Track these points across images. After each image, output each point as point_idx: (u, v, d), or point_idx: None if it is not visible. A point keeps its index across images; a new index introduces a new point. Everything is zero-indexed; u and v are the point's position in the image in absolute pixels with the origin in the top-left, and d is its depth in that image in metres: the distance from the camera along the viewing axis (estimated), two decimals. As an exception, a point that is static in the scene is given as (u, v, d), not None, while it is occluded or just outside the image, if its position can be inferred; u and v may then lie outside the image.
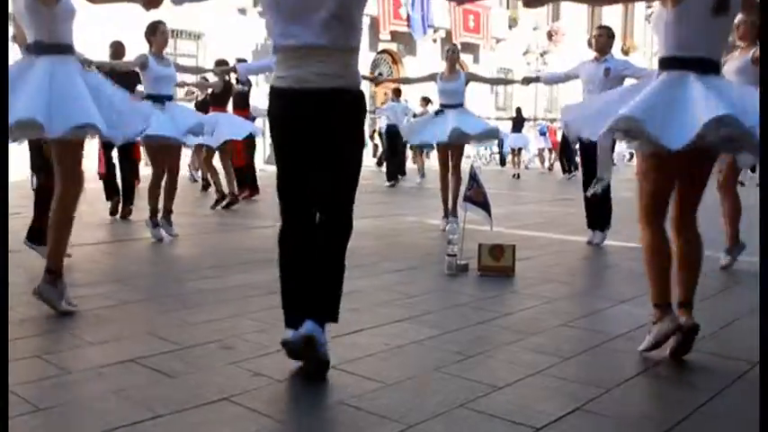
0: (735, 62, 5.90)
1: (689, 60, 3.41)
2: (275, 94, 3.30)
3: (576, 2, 4.15)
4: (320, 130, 3.23)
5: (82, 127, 3.95)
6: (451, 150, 8.35)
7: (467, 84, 8.47)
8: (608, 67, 7.24)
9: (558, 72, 8.84)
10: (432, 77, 8.56)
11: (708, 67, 3.43)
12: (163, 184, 7.30)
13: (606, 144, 6.89)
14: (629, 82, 8.32)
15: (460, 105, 8.39)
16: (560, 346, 3.79)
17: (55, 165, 4.29)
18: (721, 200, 6.12)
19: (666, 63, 3.49)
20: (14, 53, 4.33)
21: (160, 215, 7.22)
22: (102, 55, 8.57)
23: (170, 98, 7.34)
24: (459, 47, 10.36)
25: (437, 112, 8.51)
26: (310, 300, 3.27)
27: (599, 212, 7.44)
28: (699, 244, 3.70)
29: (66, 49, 4.16)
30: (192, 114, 7.73)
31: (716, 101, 3.19)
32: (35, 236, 5.56)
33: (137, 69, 7.34)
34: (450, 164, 8.38)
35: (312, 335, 3.15)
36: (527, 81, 8.78)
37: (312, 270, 3.29)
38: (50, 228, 4.30)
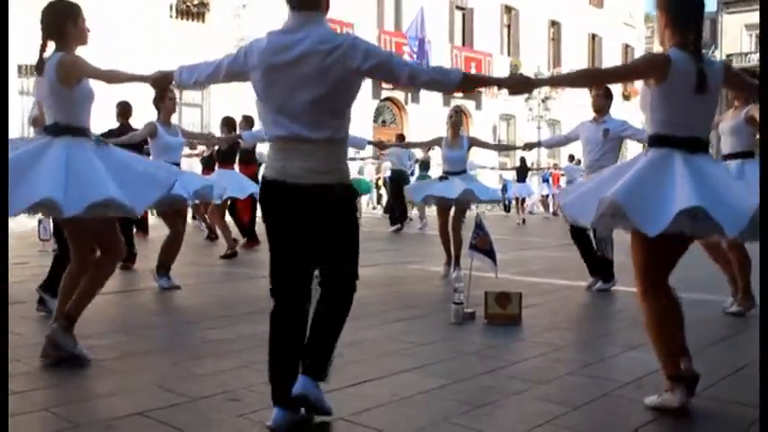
0: (729, 122, 5.91)
1: (676, 139, 3.45)
2: (265, 183, 3.31)
3: (560, 86, 4.21)
4: (307, 223, 3.24)
5: (99, 204, 3.99)
6: (454, 209, 8.43)
7: (469, 148, 8.56)
8: (607, 128, 7.29)
9: (559, 136, 8.92)
10: (437, 142, 8.65)
11: (695, 146, 3.47)
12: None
13: (604, 229, 6.84)
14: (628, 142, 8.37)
15: (463, 171, 8.52)
16: (569, 395, 3.78)
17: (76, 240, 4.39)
18: (716, 257, 6.13)
19: (654, 140, 3.53)
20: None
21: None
22: (109, 113, 8.67)
23: (177, 165, 7.40)
24: (462, 94, 10.49)
25: (441, 178, 8.56)
26: (303, 357, 3.26)
27: (597, 261, 7.45)
28: (677, 299, 3.64)
29: (82, 132, 4.32)
30: (199, 179, 7.80)
31: (692, 190, 3.22)
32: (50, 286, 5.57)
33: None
34: (449, 222, 8.46)
35: (304, 393, 3.17)
36: (529, 147, 8.81)
37: (311, 329, 3.28)
38: (91, 284, 4.38)
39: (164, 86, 3.94)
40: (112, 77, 4.30)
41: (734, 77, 3.77)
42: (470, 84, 3.58)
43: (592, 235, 7.42)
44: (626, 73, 3.89)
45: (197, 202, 10.58)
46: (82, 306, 4.38)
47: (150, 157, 7.53)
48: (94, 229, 4.30)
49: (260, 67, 3.20)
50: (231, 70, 3.37)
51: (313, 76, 3.12)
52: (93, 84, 4.35)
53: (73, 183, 3.99)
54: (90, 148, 4.28)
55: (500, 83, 3.54)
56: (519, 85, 3.48)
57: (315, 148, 3.18)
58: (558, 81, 4.27)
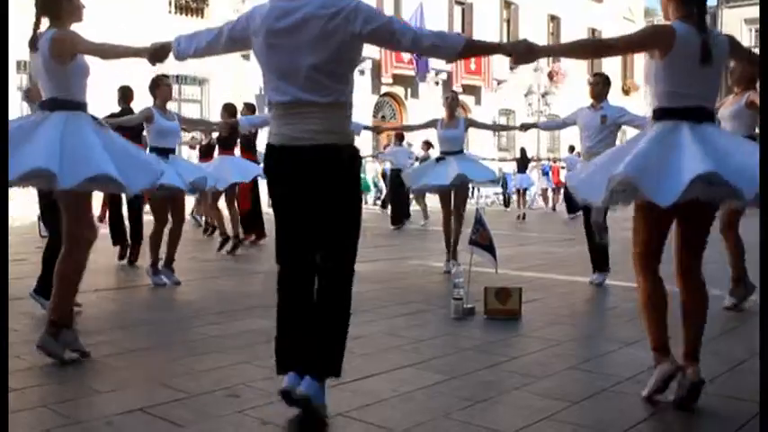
0: (729, 107, 5.91)
1: (682, 110, 3.45)
2: (269, 149, 3.34)
3: (564, 56, 4.17)
4: (313, 186, 3.26)
5: (94, 178, 3.97)
6: (454, 194, 8.37)
7: (466, 129, 8.54)
8: (604, 114, 7.27)
9: (556, 119, 8.91)
10: (432, 124, 8.60)
11: (701, 115, 3.46)
12: (167, 231, 7.34)
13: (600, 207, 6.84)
14: (626, 129, 8.35)
15: (461, 152, 8.48)
16: (568, 390, 3.78)
17: (64, 218, 4.29)
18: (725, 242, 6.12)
19: (659, 114, 3.52)
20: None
21: (161, 264, 7.25)
22: (111, 98, 8.69)
23: (173, 151, 7.39)
24: (461, 89, 10.45)
25: (438, 159, 8.51)
26: (311, 354, 3.27)
27: (598, 255, 7.46)
28: (704, 293, 3.66)
29: (79, 106, 4.28)
30: (196, 169, 7.74)
31: (703, 157, 3.21)
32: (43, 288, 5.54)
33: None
34: (452, 207, 8.40)
35: (307, 395, 3.18)
36: (525, 127, 8.78)
37: (314, 321, 3.30)
38: (58, 280, 4.27)
39: (160, 61, 3.87)
40: (107, 52, 4.24)
41: (739, 48, 3.77)
42: (473, 50, 3.59)
43: (584, 221, 7.45)
44: (630, 44, 3.81)
45: (197, 196, 10.53)
46: (62, 309, 4.28)
47: (147, 143, 7.52)
48: (81, 202, 4.24)
49: (261, 31, 3.21)
50: (232, 35, 3.37)
51: (315, 40, 3.13)
52: (93, 66, 4.32)
53: (69, 155, 3.95)
54: (87, 122, 4.24)
55: (503, 50, 3.53)
56: (522, 52, 3.46)
57: (317, 111, 3.20)
58: (561, 50, 4.25)
